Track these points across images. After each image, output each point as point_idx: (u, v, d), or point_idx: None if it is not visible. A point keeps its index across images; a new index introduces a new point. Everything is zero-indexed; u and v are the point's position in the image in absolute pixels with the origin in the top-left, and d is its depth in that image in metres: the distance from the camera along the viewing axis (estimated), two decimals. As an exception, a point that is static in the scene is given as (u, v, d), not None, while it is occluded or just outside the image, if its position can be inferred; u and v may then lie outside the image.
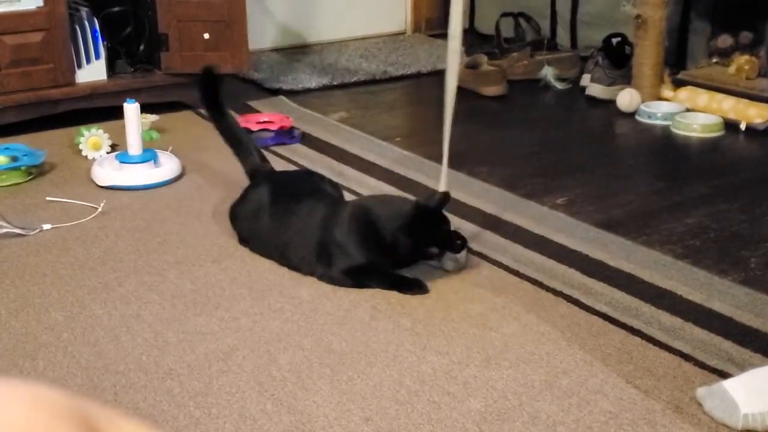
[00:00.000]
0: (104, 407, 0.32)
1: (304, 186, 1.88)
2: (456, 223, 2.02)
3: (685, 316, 1.61)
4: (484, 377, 1.42)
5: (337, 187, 1.97)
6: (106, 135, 2.41)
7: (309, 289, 1.72)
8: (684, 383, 1.40)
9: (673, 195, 2.23)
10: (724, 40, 3.00)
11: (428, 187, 2.24)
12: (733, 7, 3.07)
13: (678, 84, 2.92)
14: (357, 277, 1.72)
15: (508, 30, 3.39)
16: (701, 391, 1.35)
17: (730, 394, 1.30)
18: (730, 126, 2.68)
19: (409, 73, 3.33)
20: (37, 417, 0.28)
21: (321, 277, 1.74)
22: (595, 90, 2.97)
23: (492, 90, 3.04)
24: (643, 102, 2.83)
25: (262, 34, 3.60)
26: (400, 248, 1.71)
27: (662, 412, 1.33)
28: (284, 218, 1.80)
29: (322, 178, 1.98)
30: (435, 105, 3.30)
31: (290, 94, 3.07)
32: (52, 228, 1.98)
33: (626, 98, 2.84)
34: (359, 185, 2.25)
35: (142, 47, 2.83)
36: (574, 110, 2.98)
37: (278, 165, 2.35)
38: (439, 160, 2.44)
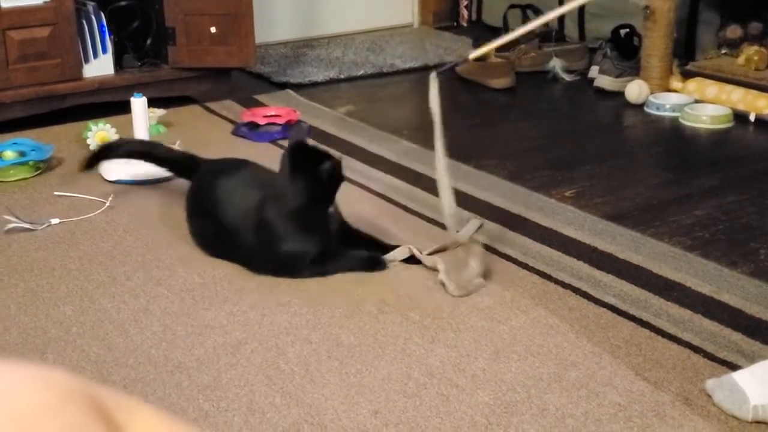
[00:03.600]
0: (116, 392, 0.32)
1: (233, 181, 1.83)
2: (465, 216, 2.02)
3: (694, 308, 1.60)
4: (492, 370, 1.42)
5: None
6: (114, 129, 2.41)
7: (316, 282, 1.72)
8: (693, 375, 1.40)
9: (682, 187, 2.22)
10: (733, 31, 2.98)
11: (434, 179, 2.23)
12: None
13: (687, 75, 2.90)
14: (315, 267, 1.72)
15: (516, 22, 3.37)
16: (711, 383, 1.34)
17: (740, 386, 1.29)
18: (740, 117, 2.67)
19: (416, 66, 3.32)
20: (49, 399, 0.28)
21: (284, 273, 1.73)
22: (604, 82, 2.96)
23: (500, 82, 3.03)
24: (651, 93, 2.82)
25: (269, 27, 3.60)
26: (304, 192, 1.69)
27: (671, 404, 1.33)
28: (219, 218, 1.79)
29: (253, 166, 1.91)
30: (442, 98, 3.29)
31: (297, 87, 3.06)
32: (60, 222, 1.98)
33: (635, 90, 2.83)
34: (366, 178, 2.25)
35: (149, 41, 2.83)
36: (583, 102, 2.97)
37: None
38: (446, 152, 2.43)
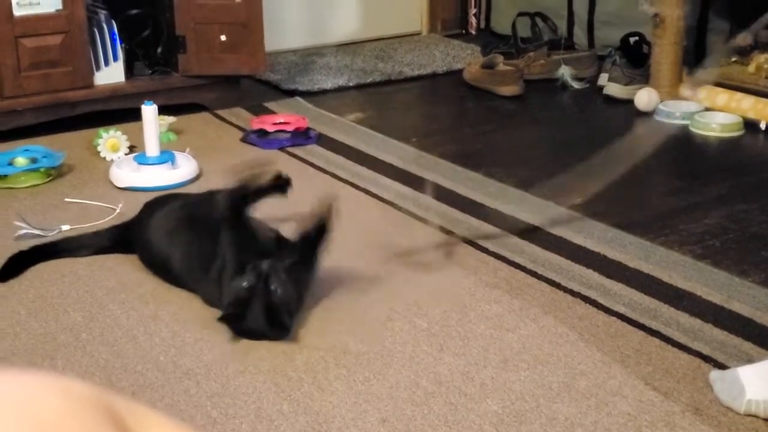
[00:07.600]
0: (131, 401, 0.32)
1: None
2: (474, 224, 2.02)
3: (705, 317, 1.59)
4: (501, 379, 1.42)
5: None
6: (124, 137, 2.43)
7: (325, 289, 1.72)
8: (704, 385, 1.39)
9: (692, 195, 2.21)
10: (744, 39, 2.98)
11: (443, 187, 2.23)
12: (752, 6, 3.04)
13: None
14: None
15: (524, 30, 3.38)
16: (714, 374, 1.38)
17: (740, 379, 1.32)
18: (750, 125, 2.66)
19: (424, 73, 3.32)
20: (67, 407, 0.28)
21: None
22: (613, 89, 2.96)
23: (508, 90, 3.03)
24: (661, 101, 2.81)
25: (278, 35, 3.61)
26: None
27: (681, 414, 1.32)
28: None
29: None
30: (450, 105, 3.30)
31: (306, 95, 3.07)
32: (70, 229, 1.99)
33: (644, 97, 2.82)
34: (374, 185, 2.25)
35: (159, 49, 2.84)
36: (592, 110, 2.97)
37: (294, 166, 2.36)
38: (455, 160, 2.44)
